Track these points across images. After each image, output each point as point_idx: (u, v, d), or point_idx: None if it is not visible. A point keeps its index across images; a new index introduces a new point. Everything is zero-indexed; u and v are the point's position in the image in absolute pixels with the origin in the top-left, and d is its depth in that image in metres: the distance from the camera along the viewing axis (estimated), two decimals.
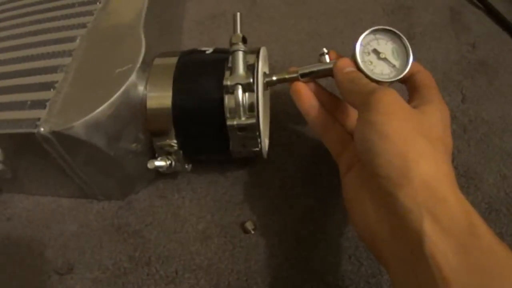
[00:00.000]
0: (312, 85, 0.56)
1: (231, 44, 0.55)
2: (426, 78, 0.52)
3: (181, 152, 0.58)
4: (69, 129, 0.50)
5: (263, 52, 0.59)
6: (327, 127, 0.56)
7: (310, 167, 0.67)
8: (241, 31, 0.57)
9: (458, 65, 0.81)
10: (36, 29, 0.68)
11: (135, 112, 0.55)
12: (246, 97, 0.53)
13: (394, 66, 0.52)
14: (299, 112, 0.57)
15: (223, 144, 0.57)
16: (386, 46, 0.53)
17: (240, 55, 0.54)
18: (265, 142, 0.62)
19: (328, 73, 0.54)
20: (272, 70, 0.73)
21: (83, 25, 0.65)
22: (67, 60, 0.59)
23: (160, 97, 0.56)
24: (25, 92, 0.57)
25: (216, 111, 0.54)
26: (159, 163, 0.57)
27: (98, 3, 0.68)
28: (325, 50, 0.55)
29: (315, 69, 0.55)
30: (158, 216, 0.64)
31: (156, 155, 0.60)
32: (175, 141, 0.57)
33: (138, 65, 0.54)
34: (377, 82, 0.51)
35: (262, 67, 0.56)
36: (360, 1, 0.95)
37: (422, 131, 0.43)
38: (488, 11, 0.92)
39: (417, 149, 0.41)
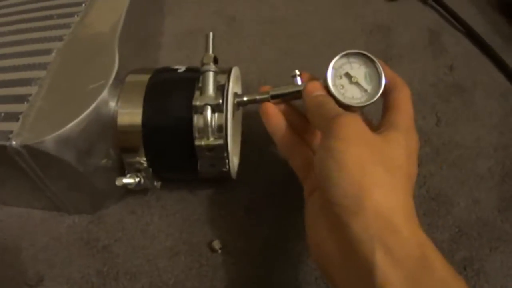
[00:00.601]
0: (283, 105, 0.57)
1: (202, 64, 0.57)
2: (400, 99, 0.51)
3: (150, 169, 0.60)
4: (39, 143, 0.51)
5: (234, 72, 0.60)
6: (294, 149, 0.56)
7: (278, 187, 0.69)
8: (213, 51, 0.58)
9: (434, 87, 0.83)
10: (13, 40, 0.70)
11: (106, 128, 0.57)
12: (215, 117, 0.55)
13: (366, 90, 0.52)
14: None
15: (191, 163, 0.58)
16: (359, 70, 0.53)
17: (211, 75, 0.56)
18: (234, 162, 0.63)
19: (299, 95, 0.55)
20: (247, 89, 0.74)
21: (60, 38, 0.66)
22: (41, 73, 0.61)
23: (131, 114, 0.57)
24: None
25: (185, 130, 0.55)
26: (127, 180, 0.58)
27: (76, 16, 0.70)
28: (297, 72, 0.56)
29: (285, 91, 0.56)
30: (127, 232, 0.65)
31: (126, 171, 0.61)
32: (144, 158, 0.59)
33: (110, 82, 0.56)
34: (348, 106, 0.52)
35: (232, 87, 0.58)
36: (339, 21, 0.97)
37: (381, 159, 0.43)
38: (467, 33, 0.95)
39: (373, 178, 0.42)
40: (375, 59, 0.53)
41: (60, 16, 0.72)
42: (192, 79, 0.58)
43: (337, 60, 0.54)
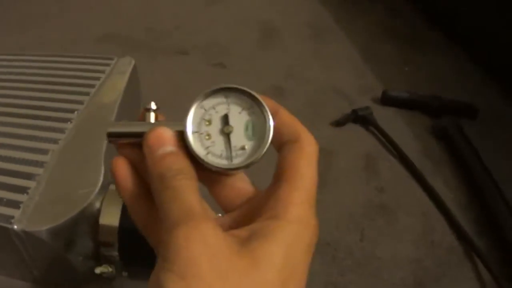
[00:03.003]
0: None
1: None
2: (299, 161, 0.40)
3: (121, 262, 0.79)
4: (37, 232, 0.73)
5: None
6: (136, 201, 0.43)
7: None
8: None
9: (363, 207, 1.05)
10: (14, 132, 0.91)
11: (89, 225, 0.78)
12: None
13: (242, 147, 0.41)
14: None
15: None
16: (238, 117, 0.42)
17: None
18: None
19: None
20: None
21: (55, 141, 0.88)
22: (39, 170, 0.82)
23: (110, 216, 0.79)
24: (2, 190, 0.79)
25: None
26: (103, 269, 0.77)
27: (69, 123, 0.92)
28: (152, 106, 0.44)
29: (126, 129, 0.44)
30: None
31: (101, 261, 0.81)
32: (117, 253, 0.79)
33: (96, 190, 0.78)
34: (211, 169, 0.41)
35: None
36: None
37: None
38: (400, 158, 1.20)
39: None
40: (264, 104, 0.41)
41: (56, 119, 0.94)
42: None
43: (208, 96, 0.42)
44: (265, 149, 0.40)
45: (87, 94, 1.01)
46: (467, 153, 1.21)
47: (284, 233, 0.35)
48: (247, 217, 0.40)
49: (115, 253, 0.79)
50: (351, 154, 1.21)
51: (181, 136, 0.41)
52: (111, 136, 0.44)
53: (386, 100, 1.41)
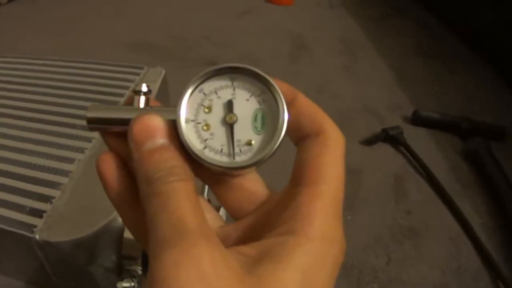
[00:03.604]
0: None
1: None
2: (323, 158, 0.33)
3: (144, 276, 0.78)
4: (59, 243, 0.72)
5: None
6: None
7: None
8: None
9: (390, 229, 1.04)
10: (41, 139, 0.91)
11: (113, 239, 0.77)
12: None
13: (248, 142, 0.34)
14: None
15: None
16: (245, 104, 0.34)
17: None
18: None
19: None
20: None
21: (82, 150, 0.88)
22: (64, 180, 0.81)
23: None
24: (26, 197, 0.79)
25: None
26: (125, 284, 0.76)
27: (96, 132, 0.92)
28: (143, 88, 0.35)
29: (109, 115, 0.35)
30: None
31: (123, 275, 0.79)
32: (140, 267, 0.78)
33: None
34: (209, 167, 0.34)
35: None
36: None
37: None
38: (428, 180, 1.18)
39: None
40: (278, 89, 0.34)
41: (83, 128, 0.93)
42: None
43: (210, 77, 0.35)
44: (276, 146, 0.32)
45: (116, 103, 1.00)
46: (497, 177, 1.19)
47: (303, 254, 0.29)
48: (259, 227, 0.33)
49: (138, 267, 0.78)
50: (380, 173, 1.20)
51: (174, 126, 0.33)
52: (92, 122, 0.35)
53: (416, 120, 1.40)
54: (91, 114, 0.35)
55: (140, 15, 1.91)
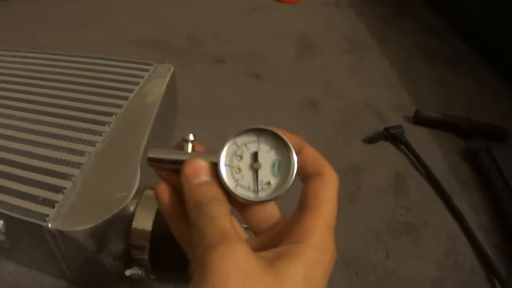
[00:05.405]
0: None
1: None
2: (322, 193, 0.44)
3: (150, 265, 0.80)
4: (71, 232, 0.74)
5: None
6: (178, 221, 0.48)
7: None
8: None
9: (389, 225, 1.05)
10: (53, 132, 0.93)
11: (122, 228, 0.79)
12: None
13: (268, 182, 0.45)
14: None
15: (185, 266, 0.78)
16: (266, 155, 0.46)
17: None
18: None
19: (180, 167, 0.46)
20: None
21: (92, 143, 0.90)
22: (75, 171, 0.84)
23: (144, 221, 0.80)
24: (39, 188, 0.81)
25: None
26: (133, 271, 0.79)
27: (107, 126, 0.94)
28: (190, 137, 0.48)
29: (166, 156, 0.48)
30: None
31: (131, 263, 0.82)
32: (147, 256, 0.80)
33: (131, 195, 0.79)
34: (239, 200, 0.45)
35: None
36: None
37: None
38: (428, 178, 1.20)
39: None
40: (291, 146, 0.45)
41: (94, 122, 0.96)
42: None
43: (242, 134, 0.46)
44: (289, 186, 0.44)
45: (125, 98, 1.03)
46: (495, 178, 1.20)
47: (306, 256, 0.39)
48: (273, 240, 0.43)
49: (145, 257, 0.81)
50: (381, 171, 1.21)
51: (215, 167, 0.45)
52: (151, 160, 0.48)
53: (418, 120, 1.42)
54: (151, 155, 0.48)
55: (150, 12, 1.93)
